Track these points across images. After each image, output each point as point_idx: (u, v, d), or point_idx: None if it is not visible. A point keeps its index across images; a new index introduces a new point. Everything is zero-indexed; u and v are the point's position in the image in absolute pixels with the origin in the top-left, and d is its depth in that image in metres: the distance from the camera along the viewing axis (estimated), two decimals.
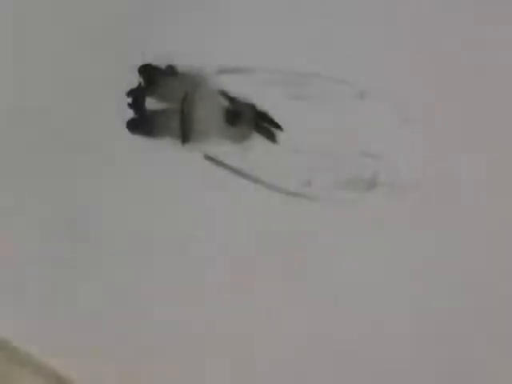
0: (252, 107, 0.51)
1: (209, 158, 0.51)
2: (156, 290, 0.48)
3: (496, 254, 0.48)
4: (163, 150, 0.51)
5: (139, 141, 0.51)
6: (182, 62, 0.51)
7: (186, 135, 0.51)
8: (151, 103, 0.51)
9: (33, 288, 0.48)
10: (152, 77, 0.51)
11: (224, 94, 0.50)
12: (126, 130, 0.51)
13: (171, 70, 0.51)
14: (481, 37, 0.50)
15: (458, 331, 0.46)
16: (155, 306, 0.48)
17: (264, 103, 0.51)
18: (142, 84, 0.51)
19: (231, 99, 0.50)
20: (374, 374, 0.46)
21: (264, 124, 0.51)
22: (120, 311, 0.48)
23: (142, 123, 0.51)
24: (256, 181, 0.50)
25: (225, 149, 0.51)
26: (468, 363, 0.46)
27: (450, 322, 0.47)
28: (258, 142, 0.51)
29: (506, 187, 0.49)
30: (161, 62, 0.51)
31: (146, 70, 0.51)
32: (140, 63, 0.51)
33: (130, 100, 0.51)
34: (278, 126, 0.51)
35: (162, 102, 0.51)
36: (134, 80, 0.51)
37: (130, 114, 0.51)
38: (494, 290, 0.47)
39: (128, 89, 0.51)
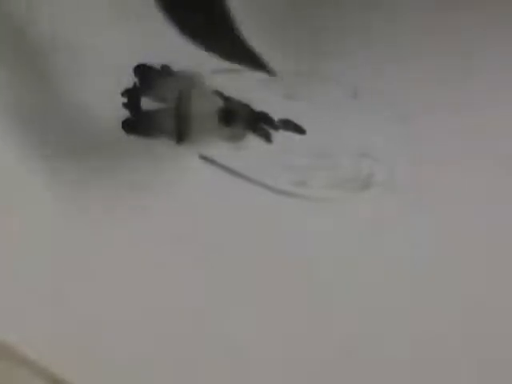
0: (247, 107, 0.51)
1: (204, 157, 0.51)
2: (155, 290, 0.48)
3: (495, 253, 0.48)
4: (158, 150, 0.51)
5: (134, 141, 0.51)
6: (178, 62, 0.51)
7: (181, 135, 0.51)
8: (146, 103, 0.51)
9: (31, 289, 0.49)
10: (147, 77, 0.51)
11: (219, 93, 0.50)
12: (122, 130, 0.51)
13: (166, 70, 0.51)
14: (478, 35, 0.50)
15: (456, 332, 0.46)
16: (156, 306, 0.48)
17: (259, 103, 0.51)
18: (138, 84, 0.51)
19: (226, 99, 0.50)
20: (372, 375, 0.46)
21: (259, 124, 0.51)
22: (120, 312, 0.48)
23: (137, 123, 0.51)
24: (250, 180, 0.50)
25: (220, 148, 0.51)
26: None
27: (447, 323, 0.47)
28: (252, 141, 0.51)
29: (505, 188, 0.49)
30: (156, 62, 0.51)
31: (142, 70, 0.51)
32: (135, 63, 0.51)
33: (125, 100, 0.51)
34: (273, 126, 0.51)
35: (157, 102, 0.51)
36: (130, 80, 0.51)
37: (126, 113, 0.51)
38: (494, 290, 0.47)
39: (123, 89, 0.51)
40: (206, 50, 0.45)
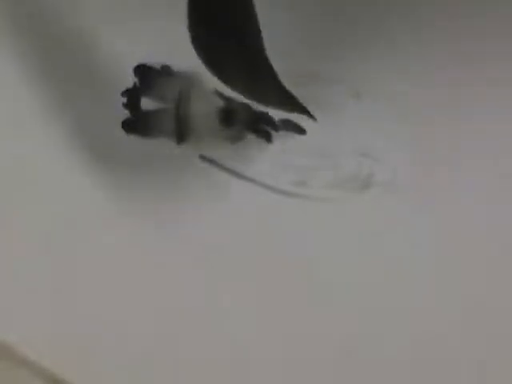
0: (247, 107, 0.50)
1: (204, 157, 0.51)
2: (155, 290, 0.48)
3: (495, 253, 0.48)
4: (158, 150, 0.51)
5: (134, 141, 0.51)
6: (178, 62, 0.51)
7: (181, 135, 0.51)
8: (146, 103, 0.51)
9: (31, 289, 0.48)
10: (147, 77, 0.51)
11: (219, 93, 0.50)
12: (122, 130, 0.51)
13: (167, 70, 0.51)
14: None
15: (456, 332, 0.46)
16: (156, 306, 0.48)
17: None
18: (138, 84, 0.51)
19: (226, 99, 0.50)
20: (372, 375, 0.46)
21: (259, 124, 0.51)
22: (120, 312, 0.48)
23: (137, 123, 0.51)
24: (251, 181, 0.50)
25: (220, 149, 0.51)
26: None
27: (447, 323, 0.47)
28: (253, 142, 0.51)
29: (505, 188, 0.49)
30: (156, 62, 0.51)
31: (142, 70, 0.51)
32: (135, 63, 0.51)
33: (125, 100, 0.51)
34: (273, 126, 0.51)
35: (157, 102, 0.51)
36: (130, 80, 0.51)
37: (126, 114, 0.51)
38: (494, 290, 0.47)
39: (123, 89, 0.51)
40: (247, 98, 0.46)
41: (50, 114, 0.51)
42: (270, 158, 0.50)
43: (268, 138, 0.50)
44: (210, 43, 0.43)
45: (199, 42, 0.43)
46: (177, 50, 0.47)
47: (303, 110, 0.45)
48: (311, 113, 0.45)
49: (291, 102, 0.45)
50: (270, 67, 0.43)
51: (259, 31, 0.43)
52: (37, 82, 0.52)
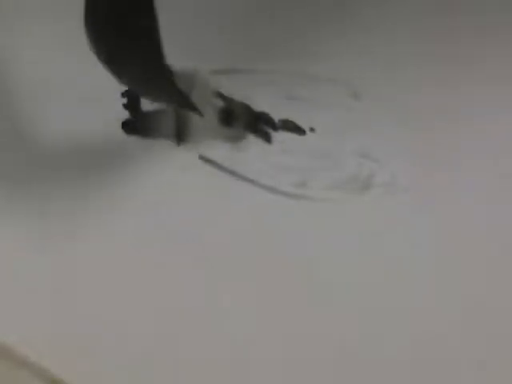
0: (247, 108, 0.51)
1: (204, 158, 0.51)
2: (155, 290, 0.48)
3: (495, 253, 0.48)
4: (158, 151, 0.51)
5: (134, 141, 0.51)
6: (178, 63, 0.51)
7: (181, 136, 0.51)
8: (146, 104, 0.51)
9: (31, 289, 0.48)
10: None
11: (219, 94, 0.50)
12: (121, 131, 0.51)
13: None
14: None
15: (456, 332, 0.46)
16: (156, 306, 0.48)
17: (259, 104, 0.51)
18: None
19: (226, 99, 0.50)
20: (372, 375, 0.46)
21: (259, 124, 0.51)
22: (120, 312, 0.48)
23: (137, 124, 0.51)
24: (250, 181, 0.50)
25: (220, 149, 0.51)
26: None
27: (447, 323, 0.47)
28: (252, 142, 0.51)
29: (505, 188, 0.49)
30: None
31: None
32: None
33: (125, 101, 0.51)
34: (273, 127, 0.51)
35: (157, 103, 0.51)
36: None
37: (125, 114, 0.51)
38: (494, 290, 0.47)
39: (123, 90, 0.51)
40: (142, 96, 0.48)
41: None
42: (270, 159, 0.50)
43: (267, 138, 0.50)
44: (108, 41, 0.43)
45: (97, 40, 0.42)
46: (177, 50, 0.47)
47: (193, 108, 0.46)
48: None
49: (181, 100, 0.46)
50: (164, 67, 0.43)
51: (158, 31, 0.42)
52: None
